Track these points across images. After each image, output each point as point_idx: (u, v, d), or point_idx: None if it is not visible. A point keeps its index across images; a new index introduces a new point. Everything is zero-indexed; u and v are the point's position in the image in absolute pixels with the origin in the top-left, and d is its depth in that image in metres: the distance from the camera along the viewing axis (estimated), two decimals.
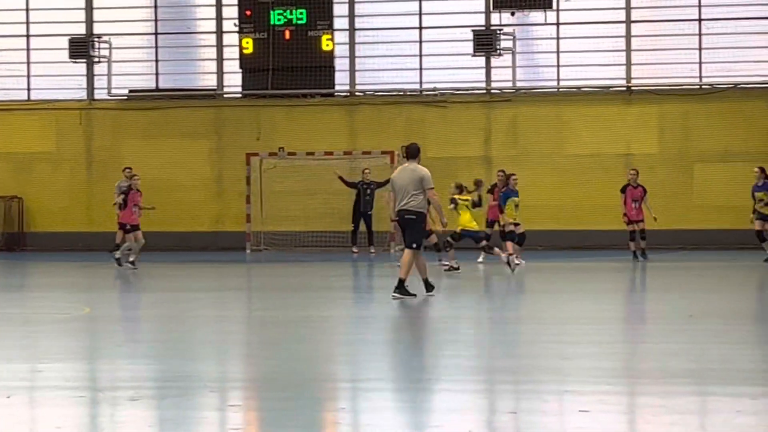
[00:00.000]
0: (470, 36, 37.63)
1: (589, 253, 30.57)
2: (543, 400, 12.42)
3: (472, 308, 21.94)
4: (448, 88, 38.40)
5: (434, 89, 38.37)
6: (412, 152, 21.64)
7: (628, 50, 37.85)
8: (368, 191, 34.44)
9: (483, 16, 38.32)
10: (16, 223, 39.51)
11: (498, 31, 37.71)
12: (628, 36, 37.83)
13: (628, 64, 37.88)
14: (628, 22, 37.76)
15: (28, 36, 40.10)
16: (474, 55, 37.85)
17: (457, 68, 38.57)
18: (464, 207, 28.74)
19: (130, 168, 36.54)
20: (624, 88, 37.90)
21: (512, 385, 13.39)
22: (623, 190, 31.31)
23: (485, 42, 37.46)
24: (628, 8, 37.59)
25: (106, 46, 39.37)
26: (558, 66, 38.37)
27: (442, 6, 38.63)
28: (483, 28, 37.94)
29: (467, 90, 38.54)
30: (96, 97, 39.90)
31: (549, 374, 14.06)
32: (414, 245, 21.22)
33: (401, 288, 21.23)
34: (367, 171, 35.41)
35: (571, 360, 15.10)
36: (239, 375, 14.94)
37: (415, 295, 21.31)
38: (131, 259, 29.99)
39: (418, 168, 21.46)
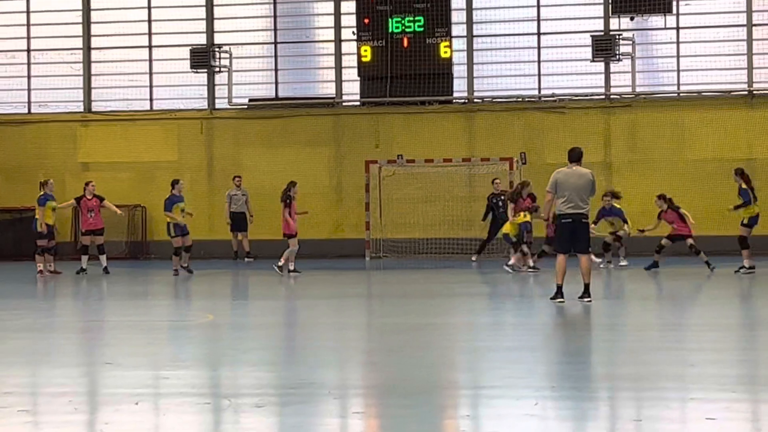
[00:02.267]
0: (589, 41, 37.53)
1: (712, 259, 30.19)
2: (668, 408, 12.35)
3: (592, 315, 21.80)
4: (566, 93, 38.27)
5: (553, 95, 38.27)
6: (576, 155, 22.03)
7: (750, 54, 37.50)
8: (500, 203, 33.58)
9: (602, 21, 38.16)
10: (140, 231, 39.96)
11: (617, 36, 37.58)
12: (750, 39, 37.48)
13: (750, 67, 37.53)
14: (750, 25, 37.40)
15: (150, 47, 40.55)
16: (593, 61, 37.71)
17: (575, 74, 38.46)
18: None
19: (239, 177, 37.11)
20: (746, 92, 37.47)
21: (636, 392, 13.32)
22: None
23: (604, 47, 37.31)
24: (749, 11, 37.26)
25: (227, 55, 39.75)
26: (678, 70, 38.11)
27: (560, 12, 38.53)
28: (602, 33, 37.79)
29: (586, 95, 38.36)
30: (217, 106, 40.27)
31: (673, 381, 13.99)
32: (588, 249, 22.01)
33: (587, 292, 21.85)
34: (498, 181, 34.89)
35: (695, 367, 14.99)
36: (361, 382, 15.00)
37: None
38: (291, 267, 31.09)
39: (587, 171, 22.03)
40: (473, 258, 34.68)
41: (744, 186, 29.12)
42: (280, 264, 30.83)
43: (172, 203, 32.14)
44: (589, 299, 21.64)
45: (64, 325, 22.23)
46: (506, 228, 30.78)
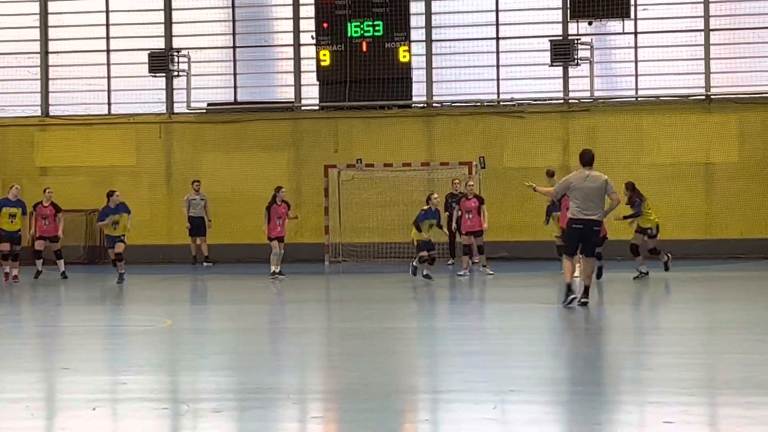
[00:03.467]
0: (548, 46, 37.64)
1: (672, 262, 30.27)
2: (626, 412, 12.39)
3: (555, 319, 21.84)
4: (525, 98, 38.35)
5: (512, 99, 38.32)
6: (588, 158, 21.73)
7: (707, 59, 37.74)
8: (454, 205, 33.35)
9: (560, 26, 38.25)
10: (98, 236, 39.80)
11: (575, 41, 37.69)
12: (707, 44, 37.71)
13: (707, 72, 37.72)
14: (707, 30, 37.62)
15: (108, 51, 40.51)
16: (551, 65, 37.86)
17: (534, 78, 38.54)
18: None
19: (198, 181, 37.14)
20: (703, 97, 37.67)
21: (595, 396, 13.35)
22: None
23: (563, 52, 37.45)
24: (706, 17, 37.53)
25: (185, 60, 39.70)
26: (636, 75, 38.27)
27: (519, 16, 38.61)
28: (560, 38, 37.92)
29: (545, 100, 38.50)
30: (175, 110, 40.25)
31: (631, 385, 14.04)
32: (595, 252, 22.10)
33: (587, 294, 21.73)
34: (457, 182, 34.73)
35: (652, 371, 15.05)
36: (320, 386, 15.03)
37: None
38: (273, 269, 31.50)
39: (601, 175, 21.71)
40: (450, 262, 34.58)
41: (636, 199, 29.07)
42: (273, 270, 31.26)
43: (105, 215, 31.78)
44: (586, 300, 21.70)
45: (20, 330, 22.17)
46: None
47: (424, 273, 28.97)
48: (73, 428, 12.20)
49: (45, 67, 40.89)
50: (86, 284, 32.88)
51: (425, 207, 29.67)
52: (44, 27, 40.78)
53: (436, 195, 29.47)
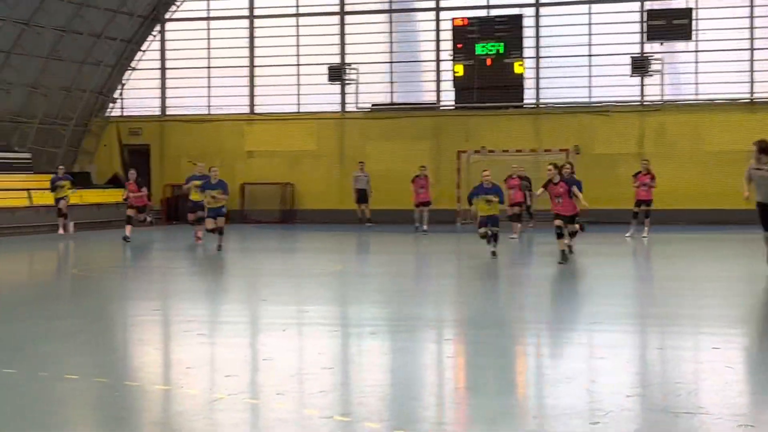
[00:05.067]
0: (629, 60, 37.28)
1: (721, 227, 29.94)
2: (683, 339, 12.34)
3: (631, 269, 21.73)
4: (611, 100, 38.00)
5: (600, 102, 38.00)
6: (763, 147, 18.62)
7: (752, 70, 37.11)
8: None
9: (639, 45, 37.87)
10: (289, 202, 40.40)
11: (650, 57, 37.32)
12: (752, 58, 37.14)
13: (751, 81, 37.19)
14: (752, 47, 37.03)
15: (298, 65, 40.78)
16: (632, 75, 37.50)
17: (618, 85, 38.12)
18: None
19: (362, 162, 37.51)
20: (748, 100, 37.02)
21: (659, 328, 13.30)
22: (636, 176, 30.15)
23: (640, 65, 37.33)
24: (751, 37, 36.94)
25: (355, 71, 40.00)
26: (696, 83, 37.83)
27: (607, 38, 38.17)
28: (639, 54, 37.47)
29: (626, 102, 38.06)
30: (347, 109, 40.48)
31: (688, 320, 13.96)
32: None
33: None
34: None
35: (705, 309, 14.95)
36: (452, 316, 15.08)
37: None
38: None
39: None
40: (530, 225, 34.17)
41: None
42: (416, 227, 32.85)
43: (189, 180, 28.81)
44: None
45: (229, 272, 22.53)
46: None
47: (491, 250, 22.80)
48: (269, 344, 12.46)
49: (251, 76, 41.41)
50: (279, 238, 33.28)
51: (477, 184, 25.31)
52: (252, 45, 41.27)
53: (486, 172, 23.89)
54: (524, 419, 8.36)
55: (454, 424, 8.27)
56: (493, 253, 22.65)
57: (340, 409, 8.69)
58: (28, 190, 34.83)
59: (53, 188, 33.01)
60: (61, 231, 32.46)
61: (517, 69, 38.09)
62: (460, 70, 38.34)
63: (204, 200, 26.37)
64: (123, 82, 42.71)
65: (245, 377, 10.24)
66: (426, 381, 10.12)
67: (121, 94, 42.90)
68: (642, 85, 38.03)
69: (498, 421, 8.28)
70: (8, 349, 11.86)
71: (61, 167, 34.44)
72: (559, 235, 21.32)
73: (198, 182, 27.17)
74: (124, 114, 43.01)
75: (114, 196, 39.82)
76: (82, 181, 38.69)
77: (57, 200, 32.84)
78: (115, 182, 41.30)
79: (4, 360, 10.90)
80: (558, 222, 21.38)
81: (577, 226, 22.17)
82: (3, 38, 36.60)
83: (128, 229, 28.89)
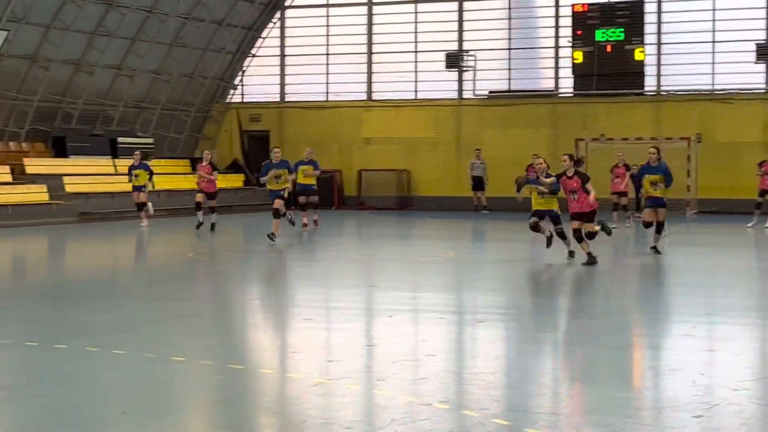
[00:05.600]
0: (753, 47, 36.29)
1: None
2: None
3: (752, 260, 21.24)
4: (734, 88, 37.16)
5: (723, 90, 37.20)
6: None
7: None
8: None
9: (764, 31, 36.92)
10: (405, 188, 40.46)
11: None
12: None
13: None
14: None
15: (416, 52, 40.80)
16: (756, 62, 36.50)
17: (741, 72, 37.21)
18: None
19: (479, 149, 37.47)
20: None
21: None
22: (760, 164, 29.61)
23: (765, 52, 36.17)
24: None
25: (472, 58, 39.89)
26: None
27: (731, 24, 37.26)
28: (764, 41, 36.55)
29: (750, 90, 37.16)
30: (464, 96, 40.38)
31: None
32: None
33: None
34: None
35: None
36: (560, 305, 14.95)
37: None
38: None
39: None
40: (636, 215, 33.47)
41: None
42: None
43: (268, 169, 25.58)
44: None
45: (342, 257, 22.61)
46: None
47: (568, 250, 19.59)
48: (375, 330, 12.50)
49: (369, 63, 41.53)
50: (395, 224, 33.32)
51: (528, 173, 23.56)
52: (370, 32, 41.38)
53: (539, 160, 20.29)
54: (626, 410, 8.22)
55: (554, 414, 8.18)
56: (571, 253, 19.49)
57: (440, 397, 8.65)
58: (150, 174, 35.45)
59: (129, 177, 30.41)
60: (144, 222, 29.68)
61: (638, 56, 37.55)
62: (579, 56, 37.95)
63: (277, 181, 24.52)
64: (243, 68, 43.23)
65: (348, 362, 10.26)
66: (528, 370, 10.03)
67: (241, 80, 43.44)
68: (767, 73, 37.14)
69: (598, 412, 8.17)
70: (120, 331, 12.10)
71: (137, 153, 31.17)
72: (579, 240, 18.82)
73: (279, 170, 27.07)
74: (245, 100, 43.52)
75: (234, 181, 40.56)
76: None
77: (135, 187, 29.97)
78: (235, 168, 41.95)
79: (115, 341, 11.12)
80: (575, 224, 18.75)
81: (597, 226, 19.16)
82: (128, 26, 37.33)
83: (200, 215, 27.55)
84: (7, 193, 31.95)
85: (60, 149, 36.23)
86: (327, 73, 42.22)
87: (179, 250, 24.12)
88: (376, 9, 41.54)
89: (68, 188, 33.64)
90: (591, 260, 18.66)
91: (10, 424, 7.79)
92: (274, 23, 42.78)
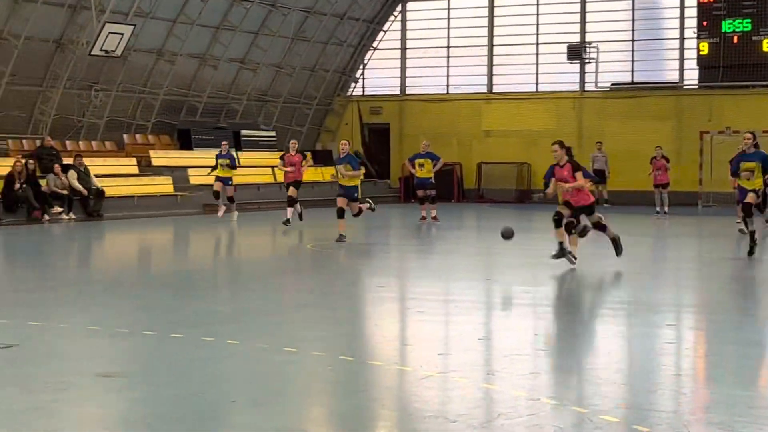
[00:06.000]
0: None
1: None
2: None
3: None
4: None
5: None
6: None
7: None
8: None
9: None
10: (525, 182, 40.22)
11: None
12: None
13: None
14: None
15: (537, 44, 40.51)
16: None
17: None
18: None
19: (600, 142, 37.16)
20: None
21: None
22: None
23: None
24: None
25: (594, 50, 39.44)
26: None
27: None
28: None
29: None
30: (586, 89, 39.97)
31: None
32: None
33: None
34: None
35: None
36: (678, 301, 14.73)
37: None
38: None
39: None
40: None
41: None
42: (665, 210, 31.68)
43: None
44: None
45: (458, 250, 22.56)
46: None
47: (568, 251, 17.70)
48: (486, 323, 12.45)
49: (490, 55, 41.39)
50: (513, 218, 33.07)
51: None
52: (491, 25, 41.23)
53: (555, 146, 18.35)
54: (742, 408, 8.03)
55: (665, 411, 8.04)
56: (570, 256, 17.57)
57: (549, 392, 8.60)
58: (272, 167, 35.76)
59: (214, 166, 29.84)
60: (220, 214, 29.50)
61: (766, 47, 36.69)
62: (705, 48, 37.26)
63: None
64: (365, 61, 43.46)
65: (459, 355, 10.26)
66: (641, 367, 9.89)
67: (362, 73, 43.67)
68: None
69: (712, 410, 8.02)
70: (236, 321, 12.28)
71: (224, 143, 30.69)
72: (557, 222, 17.45)
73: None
74: (366, 93, 43.72)
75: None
76: (324, 158, 39.82)
77: (225, 180, 29.39)
78: None
79: (230, 331, 11.29)
80: (562, 209, 17.52)
81: (598, 216, 17.87)
82: (251, 20, 37.82)
83: (289, 212, 26.25)
84: (133, 185, 32.72)
85: (185, 142, 36.86)
86: (447, 66, 42.15)
87: (298, 241, 24.33)
88: (497, 2, 41.33)
89: (192, 180, 34.25)
90: (560, 254, 17.16)
91: (126, 411, 7.98)
92: (396, 16, 42.89)
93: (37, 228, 27.16)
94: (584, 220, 18.53)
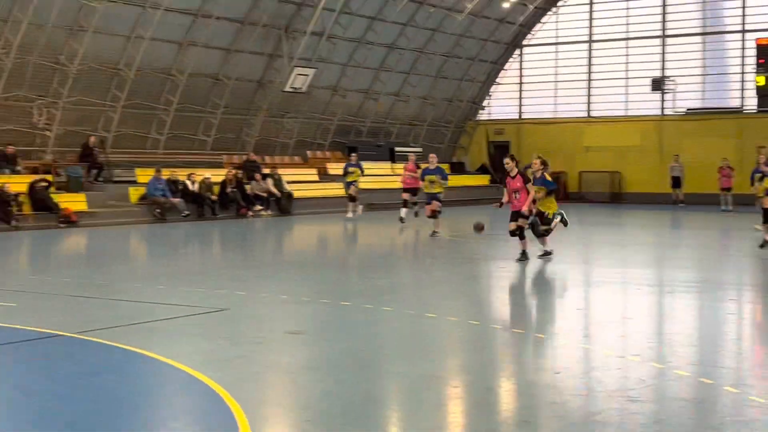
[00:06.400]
0: None
1: None
2: None
3: None
4: None
5: None
6: None
7: None
8: None
9: None
10: (617, 186, 39.43)
11: None
12: None
13: None
14: None
15: (627, 78, 39.58)
16: None
17: None
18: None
19: (677, 155, 36.18)
20: None
21: None
22: None
23: None
24: None
25: (672, 82, 38.36)
26: None
27: None
28: None
29: None
30: (665, 113, 38.92)
31: None
32: None
33: None
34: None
35: None
36: (738, 280, 14.19)
37: None
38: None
39: None
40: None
41: None
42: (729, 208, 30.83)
43: (424, 174, 22.33)
44: None
45: (565, 240, 22.10)
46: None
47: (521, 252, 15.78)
48: (585, 297, 12.17)
49: (589, 87, 40.65)
50: (609, 214, 32.33)
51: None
52: (589, 63, 40.46)
53: (535, 160, 15.97)
54: None
55: (727, 368, 7.78)
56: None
57: (633, 351, 8.40)
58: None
59: (344, 173, 28.16)
60: (349, 214, 27.62)
61: None
62: (761, 80, 35.76)
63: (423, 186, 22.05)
64: (490, 93, 43.14)
65: (562, 322, 10.14)
66: (709, 332, 9.59)
67: (488, 102, 43.37)
68: None
69: (765, 366, 7.71)
70: (390, 292, 12.34)
71: (353, 155, 29.05)
72: (513, 234, 15.68)
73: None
74: (491, 118, 43.42)
75: (482, 180, 40.69)
76: (458, 168, 39.88)
77: (347, 185, 27.76)
78: (482, 170, 42.02)
79: (385, 300, 11.34)
80: (517, 224, 15.62)
81: (526, 225, 15.69)
82: (404, 63, 37.95)
83: (403, 211, 24.46)
84: (314, 189, 33.19)
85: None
86: (555, 96, 41.59)
87: (443, 231, 24.28)
88: (594, 45, 40.56)
89: (360, 185, 34.40)
90: (523, 258, 15.54)
91: (306, 360, 8.10)
92: (514, 58, 42.48)
93: (243, 222, 27.73)
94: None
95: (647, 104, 39.35)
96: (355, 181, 27.60)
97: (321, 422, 6.06)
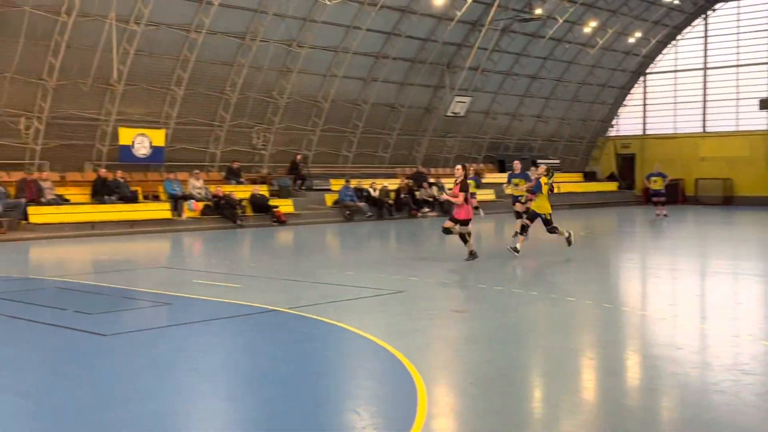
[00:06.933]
0: None
1: None
2: None
3: None
4: None
5: None
6: None
7: None
8: None
9: None
10: (729, 191, 37.33)
11: None
12: None
13: None
14: None
15: (737, 99, 37.42)
16: None
17: None
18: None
19: None
20: None
21: None
22: None
23: None
24: None
25: None
26: None
27: None
28: None
29: None
30: None
31: None
32: None
33: None
34: None
35: None
36: None
37: None
38: None
39: None
40: None
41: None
42: None
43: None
44: None
45: (680, 236, 21.09)
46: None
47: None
48: (702, 285, 11.61)
49: (704, 107, 38.63)
50: (720, 215, 30.58)
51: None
52: (705, 87, 38.45)
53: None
54: None
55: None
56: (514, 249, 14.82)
57: (747, 331, 7.96)
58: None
59: (508, 182, 19.80)
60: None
61: None
62: None
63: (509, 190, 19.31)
64: (618, 114, 41.72)
65: (682, 306, 9.70)
66: None
67: (616, 121, 41.93)
68: None
69: None
70: (535, 279, 12.14)
71: (516, 162, 19.99)
72: (445, 231, 14.27)
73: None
74: (618, 134, 41.97)
75: (611, 186, 39.44)
76: (590, 177, 38.99)
77: (514, 197, 19.17)
78: (611, 178, 40.69)
79: (530, 284, 11.18)
80: (448, 224, 14.19)
81: (466, 231, 14.23)
82: (544, 89, 37.30)
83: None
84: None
85: (501, 167, 36.80)
86: (675, 114, 39.74)
87: (576, 230, 23.63)
88: (709, 72, 38.50)
89: (506, 190, 33.82)
90: (472, 257, 14.17)
91: (467, 333, 8.06)
92: (639, 84, 40.88)
93: (414, 221, 27.93)
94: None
95: (755, 120, 37.01)
96: (520, 196, 18.64)
97: (481, 384, 6.08)
